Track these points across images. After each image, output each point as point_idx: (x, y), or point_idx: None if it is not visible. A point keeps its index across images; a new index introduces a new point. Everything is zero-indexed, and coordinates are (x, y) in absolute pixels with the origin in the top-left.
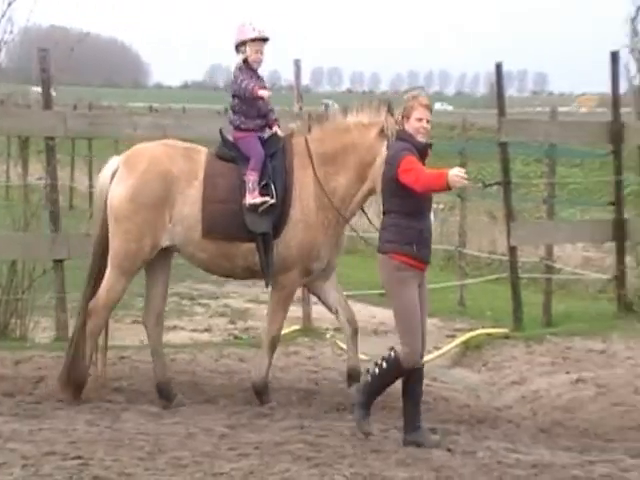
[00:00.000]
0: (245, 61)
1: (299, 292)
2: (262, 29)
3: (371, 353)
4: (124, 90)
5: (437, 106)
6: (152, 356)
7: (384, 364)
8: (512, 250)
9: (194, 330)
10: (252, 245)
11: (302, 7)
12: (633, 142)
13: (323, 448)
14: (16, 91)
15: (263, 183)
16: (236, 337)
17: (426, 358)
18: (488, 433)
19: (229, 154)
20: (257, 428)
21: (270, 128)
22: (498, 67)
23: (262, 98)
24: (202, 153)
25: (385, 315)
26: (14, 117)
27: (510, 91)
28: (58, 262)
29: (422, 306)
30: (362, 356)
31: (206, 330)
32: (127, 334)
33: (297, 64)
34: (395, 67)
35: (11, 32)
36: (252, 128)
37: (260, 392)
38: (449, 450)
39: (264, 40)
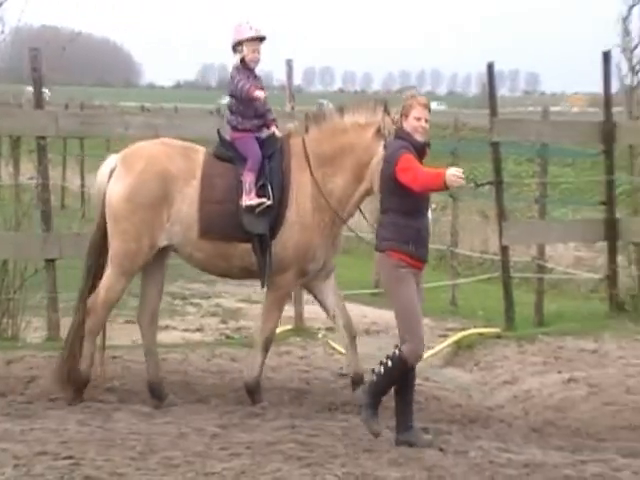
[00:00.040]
0: (242, 61)
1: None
2: (259, 28)
3: (362, 352)
4: (116, 89)
5: (433, 106)
6: (145, 355)
7: (389, 362)
8: (504, 250)
9: (186, 330)
10: (249, 246)
11: (294, 7)
12: (625, 142)
13: (315, 448)
14: (7, 91)
15: (260, 184)
16: (228, 337)
17: None
18: (480, 433)
19: (227, 154)
20: (249, 428)
21: (268, 128)
22: (490, 67)
23: (258, 99)
24: (200, 152)
25: (376, 315)
26: (5, 117)
27: (502, 91)
28: (50, 262)
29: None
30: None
31: (198, 330)
32: (119, 334)
33: (289, 64)
34: (387, 67)
35: (2, 32)
36: (249, 128)
37: (252, 391)
38: (441, 450)
39: (261, 39)
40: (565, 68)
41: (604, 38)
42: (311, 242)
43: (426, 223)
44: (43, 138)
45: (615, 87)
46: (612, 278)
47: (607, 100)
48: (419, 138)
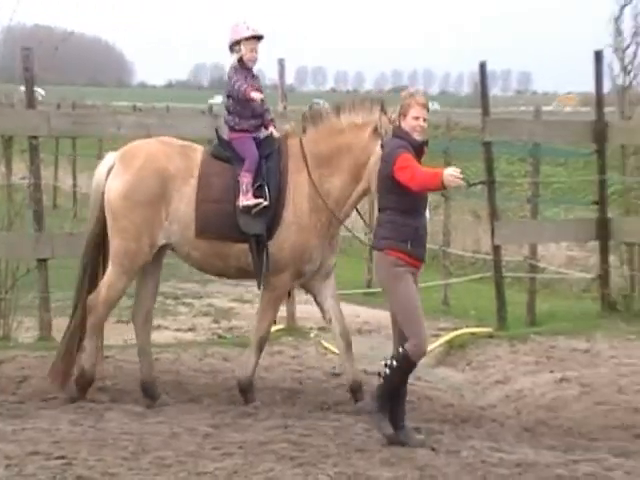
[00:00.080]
0: (240, 60)
1: None
2: (256, 27)
3: (355, 352)
4: (108, 89)
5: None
6: (139, 355)
7: (394, 362)
8: (496, 249)
9: (178, 329)
10: (245, 246)
11: (286, 7)
12: (617, 141)
13: (307, 447)
14: None
15: (257, 185)
16: (220, 336)
17: None
18: (472, 432)
19: (224, 154)
20: (241, 427)
21: (266, 128)
22: (482, 66)
23: (254, 101)
24: (198, 152)
25: (369, 314)
26: None
27: (494, 90)
28: (42, 261)
29: None
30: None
31: (190, 329)
32: (111, 334)
33: (281, 63)
34: (379, 66)
35: None
36: (247, 129)
37: (245, 390)
38: (433, 449)
39: (258, 38)
40: (557, 68)
41: (597, 38)
42: (308, 243)
43: (424, 222)
44: (35, 138)
45: (607, 87)
46: (604, 278)
47: (599, 100)
48: (417, 137)
